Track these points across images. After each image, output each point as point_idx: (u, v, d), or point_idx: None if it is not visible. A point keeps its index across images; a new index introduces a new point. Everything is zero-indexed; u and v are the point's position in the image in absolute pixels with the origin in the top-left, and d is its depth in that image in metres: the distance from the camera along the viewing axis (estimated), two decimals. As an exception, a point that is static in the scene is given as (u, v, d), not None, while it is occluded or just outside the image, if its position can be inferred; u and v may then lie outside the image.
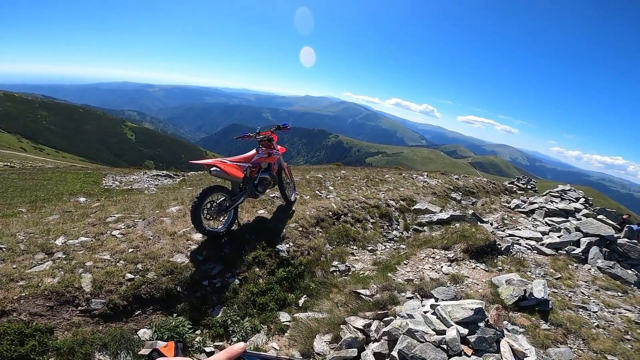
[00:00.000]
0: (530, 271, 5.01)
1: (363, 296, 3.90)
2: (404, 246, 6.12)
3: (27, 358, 3.01)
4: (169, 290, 3.99)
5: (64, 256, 4.08)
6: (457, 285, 4.21)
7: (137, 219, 5.17)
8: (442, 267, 4.68)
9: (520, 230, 6.87)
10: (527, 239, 6.46)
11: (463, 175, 15.59)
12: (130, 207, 5.88)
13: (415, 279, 4.38)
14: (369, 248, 5.92)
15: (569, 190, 12.05)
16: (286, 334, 3.78)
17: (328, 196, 7.53)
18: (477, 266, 4.78)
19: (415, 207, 7.92)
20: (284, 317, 4.08)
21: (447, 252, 5.16)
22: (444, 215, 6.94)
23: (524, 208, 9.19)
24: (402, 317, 3.23)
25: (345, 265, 5.06)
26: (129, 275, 3.92)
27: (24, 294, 3.42)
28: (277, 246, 5.03)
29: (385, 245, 6.23)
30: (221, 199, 4.70)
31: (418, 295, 3.78)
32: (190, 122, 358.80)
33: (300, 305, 4.35)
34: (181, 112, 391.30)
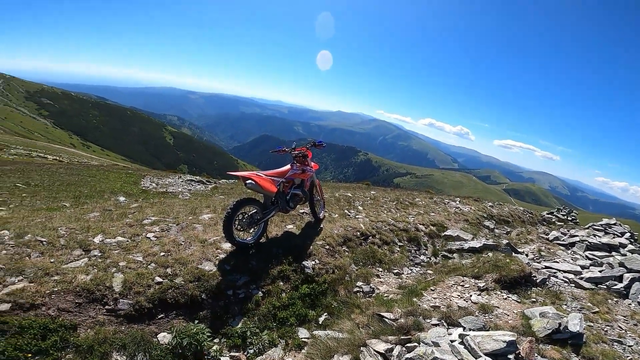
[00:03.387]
0: (566, 304, 4.69)
1: (386, 319, 3.78)
2: (431, 272, 5.92)
3: (46, 353, 3.04)
4: (194, 297, 4.06)
5: (99, 254, 4.27)
6: (486, 315, 4.00)
7: (171, 223, 5.39)
8: (471, 295, 4.48)
9: (558, 262, 6.46)
10: (564, 272, 6.06)
11: (498, 203, 14.95)
12: (166, 211, 6.14)
13: (442, 306, 4.20)
14: (395, 271, 5.79)
15: (614, 224, 11.18)
16: (303, 351, 3.74)
17: (357, 216, 7.49)
18: (508, 297, 4.54)
19: (445, 233, 7.67)
20: (302, 333, 4.04)
21: (477, 280, 4.94)
22: (476, 244, 6.66)
23: (563, 240, 8.63)
24: (426, 344, 3.10)
25: (370, 287, 4.97)
26: (158, 279, 4.04)
27: (56, 289, 3.54)
28: (303, 262, 5.04)
29: (411, 270, 6.06)
30: (253, 212, 4.81)
31: (444, 323, 3.61)
32: (225, 130, 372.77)
33: (320, 322, 4.30)
34: (217, 119, 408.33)
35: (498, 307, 4.18)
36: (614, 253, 7.81)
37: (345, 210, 7.79)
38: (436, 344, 3.02)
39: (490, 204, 13.85)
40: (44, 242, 4.38)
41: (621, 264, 6.03)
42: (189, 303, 4.00)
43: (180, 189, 14.02)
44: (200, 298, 4.11)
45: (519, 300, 4.47)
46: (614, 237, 9.15)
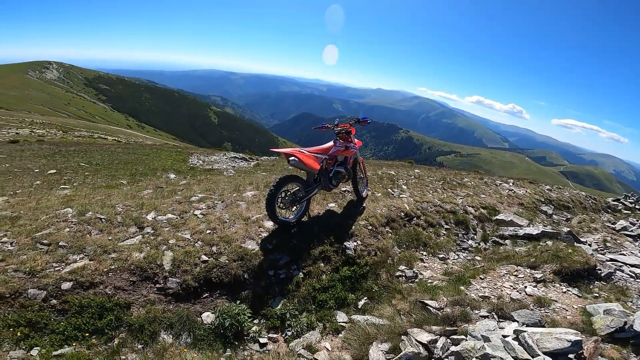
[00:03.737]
0: (632, 301, 4.17)
1: (430, 308, 3.59)
2: (479, 258, 5.55)
3: (101, 332, 3.15)
4: (237, 276, 4.10)
5: (152, 231, 4.43)
6: (542, 309, 3.64)
7: (216, 200, 5.53)
8: (525, 287, 4.09)
9: (625, 255, 5.74)
10: (632, 265, 5.38)
11: (557, 186, 13.69)
12: (211, 188, 6.31)
13: (492, 297, 3.89)
14: (440, 256, 5.50)
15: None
16: (340, 335, 3.68)
17: (400, 195, 7.20)
18: (568, 290, 4.10)
19: (497, 217, 7.14)
20: (340, 317, 3.98)
21: (533, 271, 4.51)
22: (533, 231, 6.10)
23: (632, 231, 7.69)
24: (475, 337, 2.88)
25: (413, 272, 4.76)
26: (204, 257, 4.11)
27: (113, 267, 3.67)
28: (345, 243, 4.94)
29: (458, 255, 5.73)
30: (295, 189, 4.75)
31: (495, 316, 3.33)
32: (265, 109, 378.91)
33: (360, 307, 4.21)
34: (258, 99, 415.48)
35: (556, 301, 3.78)
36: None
37: (389, 189, 7.52)
38: (486, 339, 2.78)
39: (548, 187, 12.72)
40: (103, 220, 4.61)
41: None
42: (232, 282, 4.05)
43: (224, 166, 14.51)
44: (242, 278, 4.14)
45: (580, 295, 4.02)
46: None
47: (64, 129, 29.40)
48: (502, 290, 4.01)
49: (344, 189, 6.69)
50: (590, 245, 6.15)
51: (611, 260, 5.36)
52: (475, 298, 3.76)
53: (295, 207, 4.84)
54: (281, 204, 4.62)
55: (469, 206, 7.45)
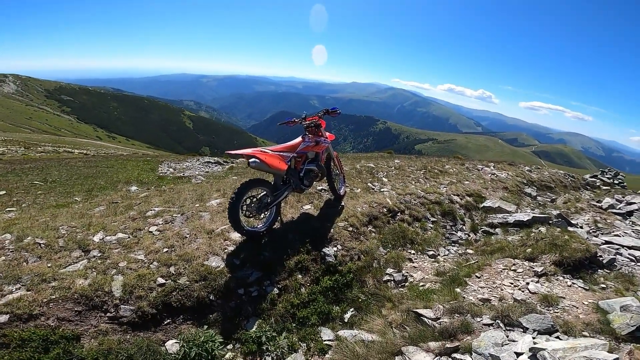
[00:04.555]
0: None
1: (425, 318, 3.11)
2: (471, 251, 5.16)
3: None
4: (201, 298, 3.59)
5: (99, 254, 3.88)
6: (550, 308, 3.24)
7: (176, 213, 4.86)
8: (528, 283, 3.68)
9: (620, 237, 5.48)
10: (629, 248, 5.10)
11: (536, 166, 13.67)
12: (172, 199, 5.63)
13: (493, 299, 3.47)
14: (430, 253, 5.05)
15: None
16: (327, 356, 3.20)
17: (382, 189, 6.71)
18: (573, 283, 3.73)
19: (484, 204, 6.80)
20: (326, 334, 3.49)
21: (532, 263, 4.13)
22: (524, 217, 5.77)
23: (619, 209, 7.53)
24: (482, 355, 2.42)
25: (402, 275, 4.29)
26: (161, 280, 3.60)
27: (54, 297, 3.23)
28: (324, 249, 4.39)
29: (448, 250, 5.31)
30: (262, 194, 4.16)
31: (500, 324, 2.89)
32: (242, 110, 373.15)
33: (347, 320, 3.71)
34: (233, 100, 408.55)
35: (563, 298, 3.39)
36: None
37: (369, 184, 7.03)
38: (495, 358, 2.32)
39: (527, 168, 12.65)
40: (42, 245, 4.01)
41: None
42: (196, 306, 3.56)
43: (197, 172, 13.71)
44: (208, 300, 3.63)
45: (587, 288, 3.65)
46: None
47: (27, 145, 27.47)
48: (502, 290, 3.58)
49: (320, 187, 6.14)
50: (582, 227, 5.88)
51: (607, 242, 5.08)
52: (475, 302, 3.31)
53: (263, 215, 4.25)
54: (247, 212, 4.03)
55: (454, 195, 7.08)
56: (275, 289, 3.85)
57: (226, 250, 4.07)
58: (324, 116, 4.95)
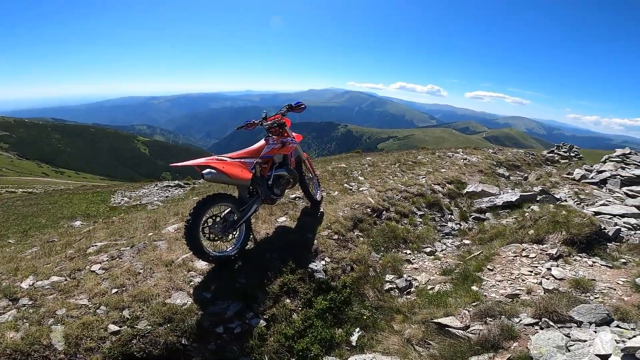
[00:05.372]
0: None
1: (452, 329, 2.59)
2: (468, 241, 4.80)
3: None
4: (171, 344, 2.85)
5: (30, 303, 3.11)
6: (587, 294, 2.86)
7: (124, 246, 4.01)
8: (549, 269, 3.30)
9: (607, 205, 5.40)
10: (621, 216, 5.00)
11: (498, 148, 14.01)
12: (120, 230, 4.74)
13: (521, 293, 3.01)
14: (427, 250, 4.60)
15: (629, 153, 10.29)
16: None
17: (360, 189, 6.21)
18: (595, 262, 3.42)
19: (467, 190, 6.54)
20: (335, 365, 2.87)
21: (541, 246, 3.79)
22: (511, 197, 5.52)
23: (592, 178, 7.64)
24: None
25: (405, 279, 3.76)
26: (113, 327, 2.84)
27: None
28: (310, 265, 3.76)
29: (444, 244, 4.89)
30: (226, 211, 3.47)
31: (549, 322, 2.38)
32: (199, 130, 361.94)
33: (354, 344, 3.14)
34: (188, 120, 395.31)
35: (594, 280, 3.03)
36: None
37: (345, 185, 6.50)
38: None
39: (491, 150, 12.89)
40: None
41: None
42: (166, 354, 2.82)
43: (155, 199, 12.57)
44: (180, 345, 2.89)
45: (610, 265, 3.35)
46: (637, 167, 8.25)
47: (-41, 190, 24.22)
48: (524, 280, 3.16)
49: (294, 195, 5.51)
50: (565, 200, 5.75)
51: (597, 214, 4.92)
52: (502, 300, 2.85)
53: (231, 235, 3.55)
54: (211, 235, 3.33)
55: (435, 184, 6.76)
56: (262, 320, 3.17)
57: (192, 283, 3.32)
58: (288, 113, 4.34)
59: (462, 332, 2.48)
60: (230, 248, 3.57)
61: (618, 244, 3.95)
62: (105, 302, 3.05)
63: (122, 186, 19.02)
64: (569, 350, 1.94)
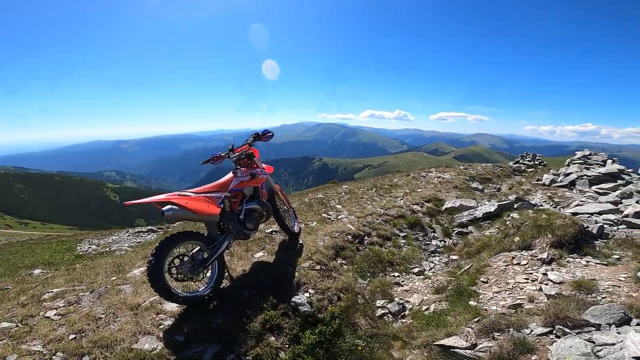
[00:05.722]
0: None
1: (458, 350, 2.37)
2: (455, 257, 4.69)
3: None
4: None
5: None
6: (593, 294, 2.76)
7: (83, 292, 3.59)
8: (545, 274, 3.21)
9: (582, 205, 5.54)
10: (599, 214, 5.11)
11: (468, 164, 14.50)
12: (80, 276, 4.31)
13: (524, 302, 2.86)
14: (415, 270, 4.42)
15: (588, 154, 10.93)
16: None
17: (339, 217, 6.06)
18: (588, 262, 3.38)
19: (445, 206, 6.54)
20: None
21: (531, 252, 3.74)
22: (490, 208, 5.56)
23: (561, 182, 7.95)
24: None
25: (397, 303, 3.53)
26: None
27: None
28: (293, 299, 3.47)
29: (431, 262, 4.75)
30: (195, 250, 3.18)
31: (564, 328, 2.22)
32: (173, 173, 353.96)
33: (355, 378, 2.82)
34: (161, 164, 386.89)
35: (595, 280, 2.96)
36: (619, 181, 7.23)
37: (323, 214, 6.33)
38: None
39: (462, 167, 13.31)
40: None
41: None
42: None
43: (125, 245, 11.80)
44: None
45: (605, 263, 3.32)
46: (599, 168, 8.71)
47: None
48: (522, 289, 3.04)
49: (269, 230, 5.26)
50: (542, 205, 5.85)
51: (575, 214, 5.01)
52: (504, 311, 2.69)
53: (202, 274, 3.24)
54: (179, 276, 3.01)
55: (413, 204, 6.73)
56: (245, 362, 2.83)
57: (162, 327, 2.96)
58: (255, 143, 4.17)
59: (470, 352, 2.27)
60: (203, 287, 3.24)
61: (605, 240, 3.97)
62: (62, 348, 2.73)
63: (90, 234, 17.85)
64: (599, 357, 1.79)
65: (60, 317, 3.15)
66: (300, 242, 4.78)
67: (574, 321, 2.27)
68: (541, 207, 5.32)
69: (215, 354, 2.86)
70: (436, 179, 9.51)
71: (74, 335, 2.85)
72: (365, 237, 5.22)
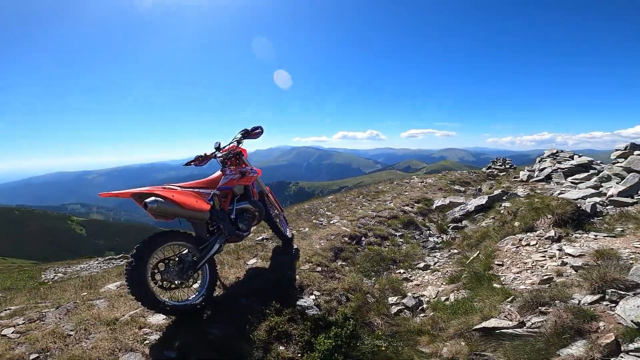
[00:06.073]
0: None
1: (503, 330, 2.14)
2: (456, 250, 4.59)
3: None
4: None
5: None
6: (620, 261, 2.69)
7: (48, 308, 3.06)
8: (560, 249, 3.15)
9: (564, 193, 5.71)
10: (583, 199, 5.27)
11: (445, 171, 14.89)
12: (44, 294, 3.76)
13: (552, 276, 2.71)
14: (420, 265, 4.24)
15: (556, 152, 11.50)
16: None
17: (331, 222, 5.84)
18: (596, 236, 3.40)
19: (436, 204, 6.53)
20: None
21: (536, 233, 3.69)
22: (481, 200, 5.59)
23: (538, 176, 8.26)
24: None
25: (411, 297, 3.31)
26: None
27: None
28: (298, 302, 3.15)
29: (434, 257, 4.60)
30: (183, 252, 2.80)
31: (618, 291, 2.10)
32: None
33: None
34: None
35: (614, 249, 2.93)
36: (591, 171, 7.57)
37: (314, 221, 6.07)
38: None
39: (439, 174, 13.62)
40: None
41: (628, 170, 5.49)
42: None
43: (95, 271, 10.86)
44: None
45: (613, 235, 3.31)
46: (574, 159, 9.14)
47: None
48: (543, 266, 2.93)
49: (260, 237, 4.93)
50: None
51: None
52: (542, 287, 2.53)
53: (192, 280, 2.86)
54: (164, 283, 2.61)
55: (404, 205, 6.65)
56: (254, 378, 2.46)
57: (147, 342, 2.51)
58: (243, 140, 3.86)
59: (520, 330, 2.07)
60: (194, 295, 2.83)
61: (600, 218, 4.02)
62: (23, 368, 2.22)
63: (55, 263, 16.34)
64: None
65: (19, 334, 2.62)
66: (295, 246, 4.50)
67: (624, 282, 2.17)
68: (531, 194, 5.40)
69: (215, 366, 2.49)
70: (420, 183, 9.58)
71: (36, 355, 2.35)
72: (363, 238, 5.04)
